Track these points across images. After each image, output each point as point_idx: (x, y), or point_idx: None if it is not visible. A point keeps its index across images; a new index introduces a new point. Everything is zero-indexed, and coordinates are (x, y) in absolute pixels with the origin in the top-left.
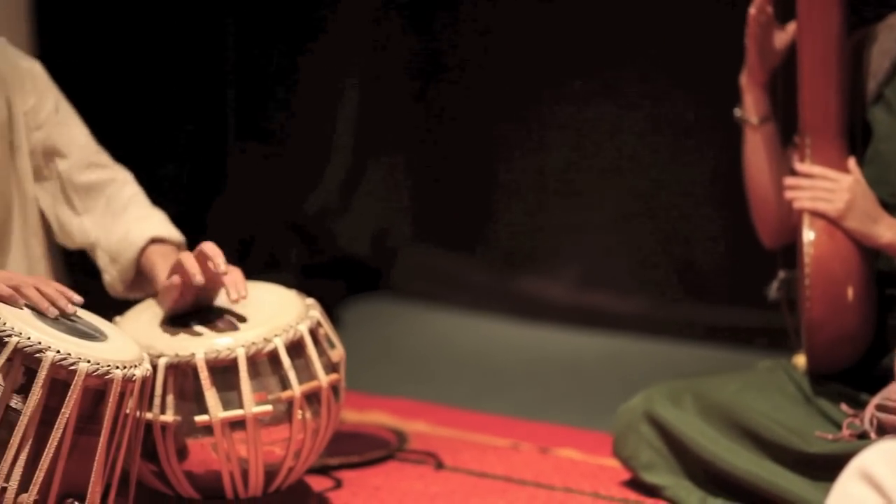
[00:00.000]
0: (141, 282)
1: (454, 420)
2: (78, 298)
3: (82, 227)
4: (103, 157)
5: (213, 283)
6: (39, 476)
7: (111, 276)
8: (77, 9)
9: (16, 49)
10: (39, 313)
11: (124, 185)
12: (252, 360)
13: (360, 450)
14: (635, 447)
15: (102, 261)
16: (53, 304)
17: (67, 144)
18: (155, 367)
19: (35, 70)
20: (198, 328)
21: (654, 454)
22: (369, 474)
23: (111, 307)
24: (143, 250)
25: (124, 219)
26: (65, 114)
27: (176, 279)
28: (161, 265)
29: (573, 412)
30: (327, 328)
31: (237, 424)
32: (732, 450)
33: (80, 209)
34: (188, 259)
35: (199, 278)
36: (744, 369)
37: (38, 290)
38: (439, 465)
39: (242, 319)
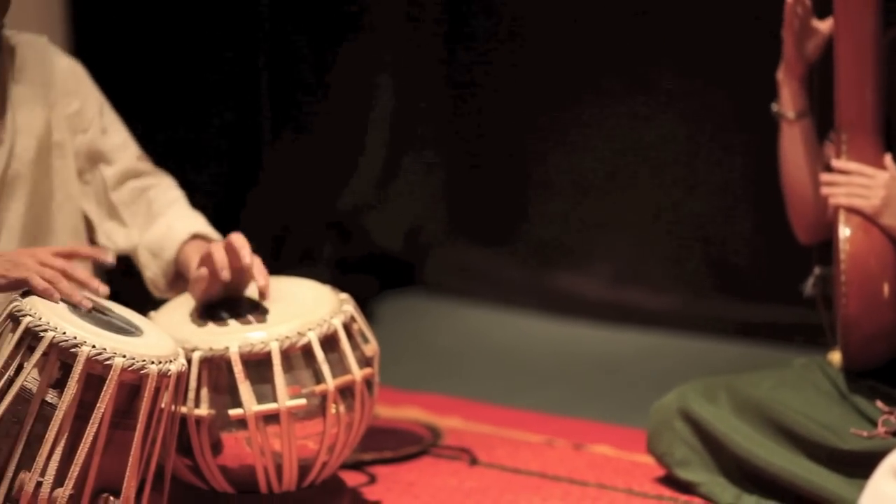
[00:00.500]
0: (182, 281)
1: (488, 416)
2: (104, 289)
3: (128, 234)
4: (146, 163)
5: (242, 274)
6: (75, 471)
7: (153, 271)
8: (112, 1)
9: (57, 48)
10: (75, 308)
11: (167, 189)
12: (286, 354)
13: (394, 445)
14: (669, 444)
15: (144, 258)
16: (86, 285)
17: (113, 151)
18: (189, 361)
19: (77, 71)
20: (232, 322)
21: (688, 451)
22: (403, 470)
23: (147, 303)
24: (183, 245)
25: (166, 217)
26: (109, 118)
27: (203, 271)
28: (195, 259)
29: (607, 408)
30: (361, 323)
31: (271, 418)
32: (767, 447)
33: (124, 216)
34: (217, 252)
35: (225, 274)
36: (779, 366)
37: (68, 278)
38: (473, 461)
39: (275, 314)
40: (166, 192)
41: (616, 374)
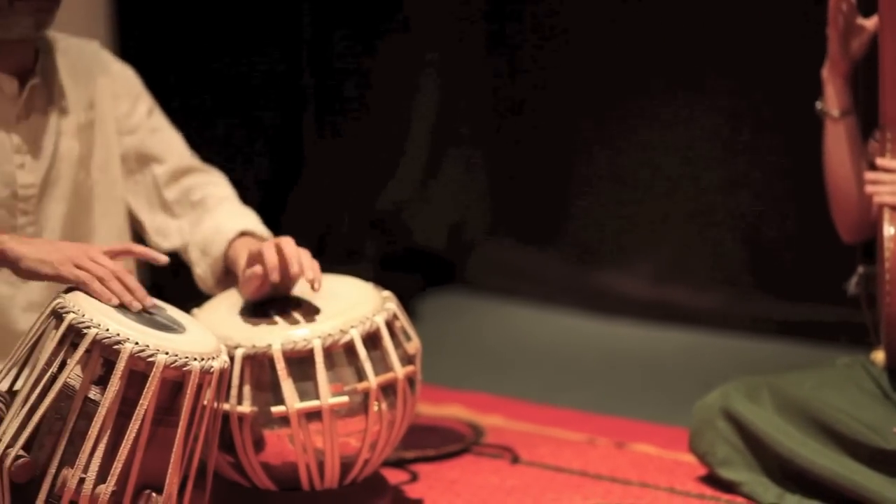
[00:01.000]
0: (230, 277)
1: (530, 414)
2: (149, 301)
3: (180, 229)
4: (197, 161)
5: (290, 277)
6: (117, 467)
7: (202, 268)
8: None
9: (109, 53)
10: (118, 305)
11: (218, 186)
12: (328, 352)
13: (436, 443)
14: (712, 443)
15: (194, 255)
16: (133, 292)
17: (163, 151)
18: (232, 358)
19: (127, 75)
20: (275, 319)
21: (730, 450)
22: (445, 468)
23: (191, 300)
24: (231, 242)
25: (216, 214)
26: (158, 119)
27: (258, 269)
28: (244, 256)
29: (649, 407)
30: (403, 320)
31: (313, 415)
32: (810, 446)
33: (176, 212)
34: (269, 252)
35: (275, 275)
36: (822, 365)
37: (121, 282)
38: (515, 459)
39: (317, 311)
40: (218, 190)
41: (658, 372)
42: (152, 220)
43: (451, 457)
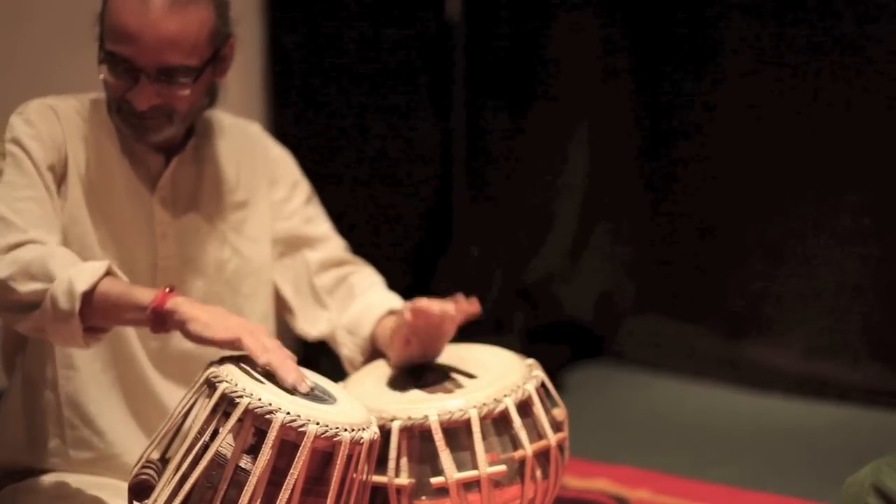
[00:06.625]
0: (379, 356)
1: (678, 489)
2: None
3: (329, 317)
4: (349, 254)
5: (433, 342)
6: None
7: (349, 349)
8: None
9: (269, 136)
10: (269, 375)
11: (368, 275)
12: (483, 421)
13: None
14: None
15: (341, 336)
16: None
17: (318, 239)
18: (388, 431)
19: (286, 161)
20: (426, 390)
21: None
22: None
23: (342, 376)
24: (380, 320)
25: (365, 297)
26: (315, 208)
27: (408, 312)
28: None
29: (799, 482)
30: (550, 387)
31: (471, 485)
32: None
33: (325, 301)
34: (431, 302)
35: (442, 313)
36: None
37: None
38: None
39: (470, 376)
40: (367, 278)
41: (808, 447)
42: (301, 306)
43: None
